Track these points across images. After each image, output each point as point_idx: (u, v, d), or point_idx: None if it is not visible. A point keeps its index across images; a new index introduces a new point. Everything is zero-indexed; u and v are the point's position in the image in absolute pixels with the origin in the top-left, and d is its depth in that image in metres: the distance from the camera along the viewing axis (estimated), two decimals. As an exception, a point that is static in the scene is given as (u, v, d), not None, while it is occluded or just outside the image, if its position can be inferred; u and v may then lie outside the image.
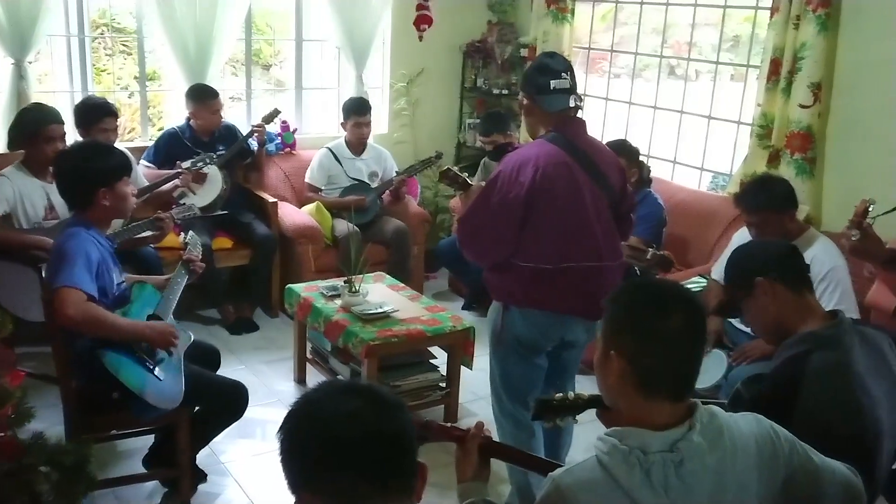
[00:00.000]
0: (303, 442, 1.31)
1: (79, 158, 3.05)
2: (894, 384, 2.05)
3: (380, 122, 5.93)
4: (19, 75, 4.67)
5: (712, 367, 3.46)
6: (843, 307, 3.09)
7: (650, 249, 3.88)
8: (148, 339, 2.88)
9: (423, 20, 5.87)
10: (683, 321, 1.61)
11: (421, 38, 5.93)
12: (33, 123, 3.97)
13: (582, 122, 2.94)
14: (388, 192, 5.32)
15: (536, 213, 2.76)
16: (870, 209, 2.49)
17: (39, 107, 4.16)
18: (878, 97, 4.06)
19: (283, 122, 5.55)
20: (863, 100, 4.13)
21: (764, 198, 3.40)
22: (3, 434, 2.00)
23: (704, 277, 3.94)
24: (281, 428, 1.34)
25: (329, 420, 1.31)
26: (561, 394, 2.13)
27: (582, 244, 2.83)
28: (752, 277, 2.17)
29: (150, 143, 5.05)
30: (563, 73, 2.84)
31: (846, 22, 4.13)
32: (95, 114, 4.36)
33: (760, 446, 1.62)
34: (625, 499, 1.51)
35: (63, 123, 4.07)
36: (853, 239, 2.66)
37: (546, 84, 2.81)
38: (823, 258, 3.32)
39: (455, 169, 3.24)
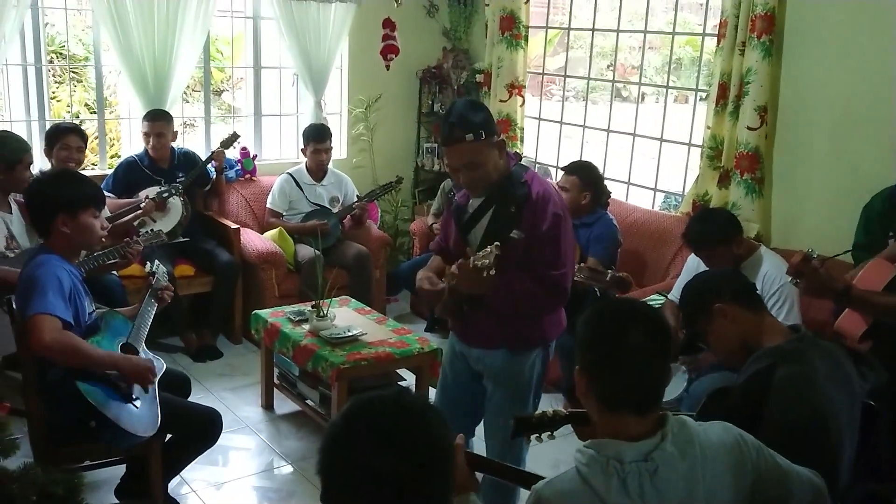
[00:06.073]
0: (337, 468, 1.35)
1: (43, 184, 3.03)
2: (851, 394, 2.16)
3: (339, 147, 5.98)
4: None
5: (673, 381, 3.57)
6: (790, 321, 3.24)
7: (609, 272, 4.00)
8: (124, 371, 2.84)
9: (389, 49, 5.91)
10: (643, 338, 1.67)
11: (388, 67, 5.96)
12: (14, 152, 3.84)
13: None
14: (348, 216, 5.36)
15: None
16: (814, 256, 2.64)
17: (12, 135, 4.04)
18: (817, 118, 4.25)
19: (243, 148, 5.56)
20: (805, 121, 4.32)
21: (705, 234, 3.57)
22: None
23: (662, 295, 4.06)
24: (319, 451, 1.37)
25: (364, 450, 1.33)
26: (540, 411, 2.20)
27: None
28: (708, 304, 2.32)
29: (109, 172, 5.03)
30: None
31: (788, 48, 4.33)
32: (61, 131, 4.36)
33: (729, 453, 1.70)
34: None
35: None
36: (797, 285, 2.81)
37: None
38: (774, 274, 3.47)
39: (483, 254, 2.51)
